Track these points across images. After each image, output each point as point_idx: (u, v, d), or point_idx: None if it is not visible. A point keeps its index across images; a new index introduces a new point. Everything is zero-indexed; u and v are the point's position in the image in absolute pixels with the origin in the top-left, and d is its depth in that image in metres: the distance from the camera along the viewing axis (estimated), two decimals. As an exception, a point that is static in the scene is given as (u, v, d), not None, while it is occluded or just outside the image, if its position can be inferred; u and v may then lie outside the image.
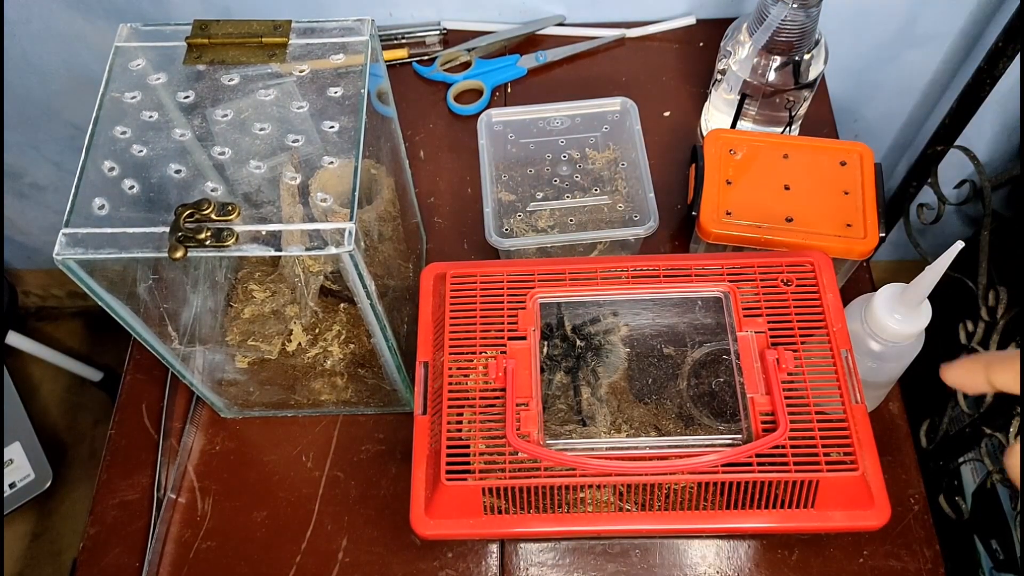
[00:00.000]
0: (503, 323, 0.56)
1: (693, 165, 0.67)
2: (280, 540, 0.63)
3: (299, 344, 0.63)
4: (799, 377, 0.53)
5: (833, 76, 0.87)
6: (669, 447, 0.52)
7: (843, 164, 0.66)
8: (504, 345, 0.55)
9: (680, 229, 0.75)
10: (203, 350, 0.62)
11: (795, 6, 0.63)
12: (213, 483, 0.66)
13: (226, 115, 0.51)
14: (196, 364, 0.62)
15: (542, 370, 0.55)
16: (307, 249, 0.46)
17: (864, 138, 1.04)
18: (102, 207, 0.47)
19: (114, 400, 0.70)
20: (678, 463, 0.49)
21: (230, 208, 0.46)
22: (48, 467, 1.23)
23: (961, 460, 0.89)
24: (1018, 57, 0.81)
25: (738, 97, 0.71)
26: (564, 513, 0.51)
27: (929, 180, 0.99)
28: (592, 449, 0.53)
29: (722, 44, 0.71)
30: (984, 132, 0.99)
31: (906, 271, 0.60)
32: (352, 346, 0.64)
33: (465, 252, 0.75)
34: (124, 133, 0.50)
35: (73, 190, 0.48)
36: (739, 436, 0.52)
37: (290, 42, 0.53)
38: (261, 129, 0.51)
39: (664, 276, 0.57)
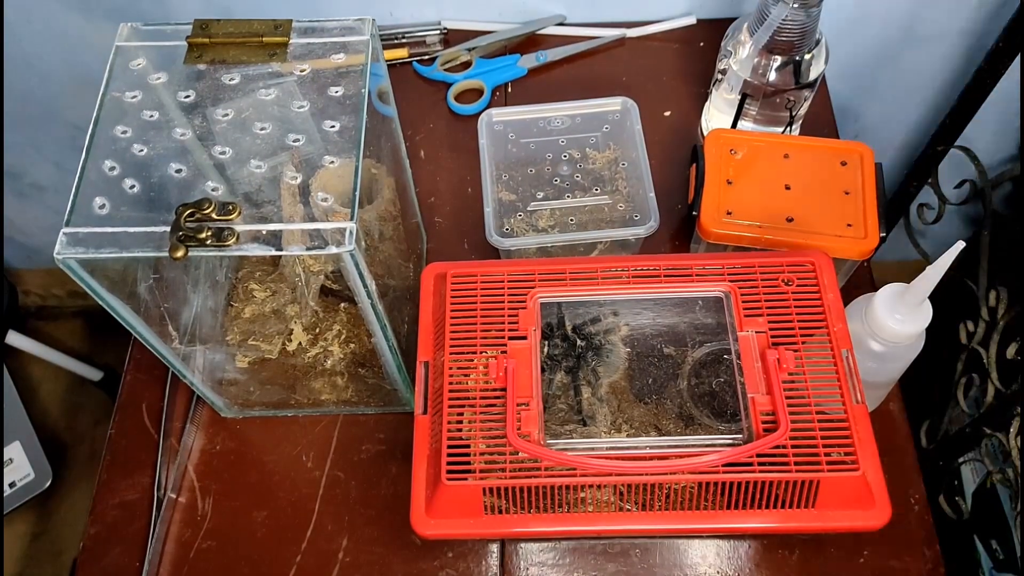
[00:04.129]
0: (504, 323, 0.56)
1: (694, 165, 0.67)
2: (280, 540, 0.63)
3: (299, 344, 0.63)
4: (800, 377, 0.53)
5: (833, 76, 0.87)
6: (669, 447, 0.52)
7: (844, 164, 0.66)
8: (505, 345, 0.55)
9: (681, 229, 0.75)
10: (203, 350, 0.62)
11: (796, 6, 0.63)
12: (213, 483, 0.66)
13: (227, 114, 0.51)
14: (196, 364, 0.62)
15: (543, 370, 0.55)
16: (308, 249, 0.46)
17: (864, 138, 1.03)
18: (103, 206, 0.47)
19: (114, 400, 0.70)
20: (678, 463, 0.49)
21: (231, 207, 0.46)
22: (48, 467, 1.23)
23: (961, 460, 0.89)
24: (1018, 57, 0.81)
25: (739, 97, 0.71)
26: (564, 513, 0.51)
27: (929, 180, 0.99)
28: (592, 449, 0.53)
29: (723, 44, 0.71)
30: (984, 132, 0.99)
31: (906, 271, 0.60)
32: (352, 346, 0.64)
33: (465, 252, 0.75)
34: (125, 132, 0.50)
35: (73, 189, 0.48)
36: (740, 436, 0.52)
37: (291, 41, 0.53)
38: (262, 128, 0.51)
39: (665, 276, 0.57)
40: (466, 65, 0.86)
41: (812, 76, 0.68)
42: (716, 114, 0.75)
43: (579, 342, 0.57)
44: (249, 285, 0.65)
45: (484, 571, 0.62)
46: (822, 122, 0.81)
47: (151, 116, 0.51)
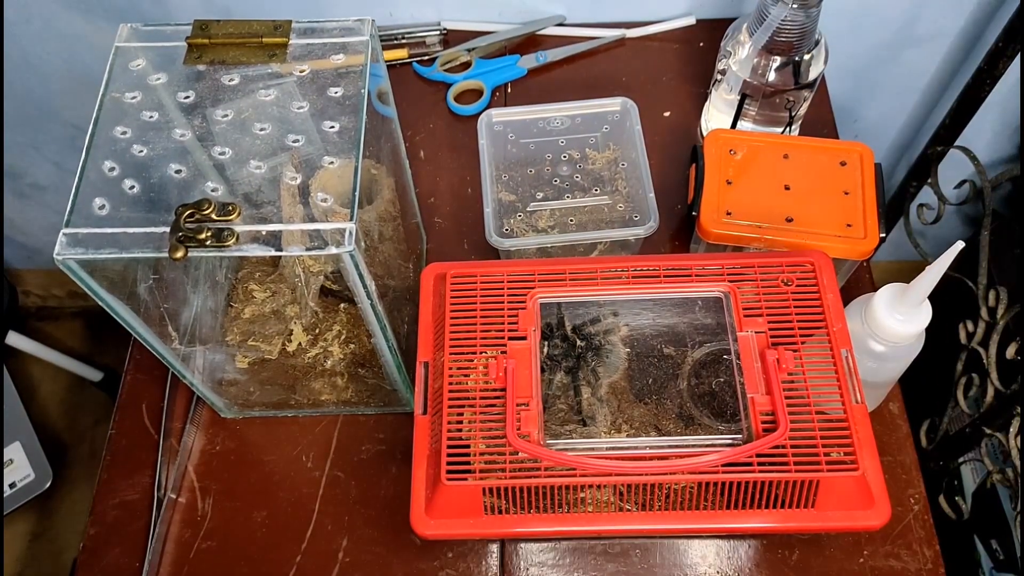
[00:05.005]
0: (503, 323, 0.56)
1: (693, 165, 0.67)
2: (280, 540, 0.63)
3: (299, 344, 0.63)
4: (799, 377, 0.53)
5: (833, 76, 0.87)
6: (669, 447, 0.52)
7: (843, 164, 0.66)
8: (504, 345, 0.55)
9: (680, 229, 0.75)
10: (203, 350, 0.62)
11: (795, 6, 0.63)
12: (213, 483, 0.66)
13: (226, 115, 0.51)
14: (196, 364, 0.62)
15: (542, 370, 0.55)
16: (307, 249, 0.46)
17: (864, 138, 1.04)
18: (102, 207, 0.47)
19: (114, 400, 0.70)
20: (678, 463, 0.49)
21: (230, 208, 0.46)
22: (48, 467, 1.23)
23: (961, 460, 0.89)
24: (1018, 57, 0.81)
25: (738, 97, 0.71)
26: (564, 513, 0.51)
27: (929, 180, 0.99)
28: (592, 449, 0.53)
29: (722, 44, 0.71)
30: (984, 132, 0.99)
31: (906, 271, 0.60)
32: (352, 346, 0.64)
33: (465, 252, 0.75)
34: (124, 133, 0.50)
35: (73, 190, 0.48)
36: (739, 436, 0.52)
37: (290, 42, 0.53)
38: (261, 129, 0.51)
39: (664, 276, 0.57)
40: (466, 66, 0.86)
41: (811, 76, 0.68)
42: (716, 114, 0.75)
43: (579, 342, 0.57)
44: (249, 286, 0.65)
45: (484, 571, 0.62)
46: (822, 122, 0.81)
47: (151, 117, 0.51)
